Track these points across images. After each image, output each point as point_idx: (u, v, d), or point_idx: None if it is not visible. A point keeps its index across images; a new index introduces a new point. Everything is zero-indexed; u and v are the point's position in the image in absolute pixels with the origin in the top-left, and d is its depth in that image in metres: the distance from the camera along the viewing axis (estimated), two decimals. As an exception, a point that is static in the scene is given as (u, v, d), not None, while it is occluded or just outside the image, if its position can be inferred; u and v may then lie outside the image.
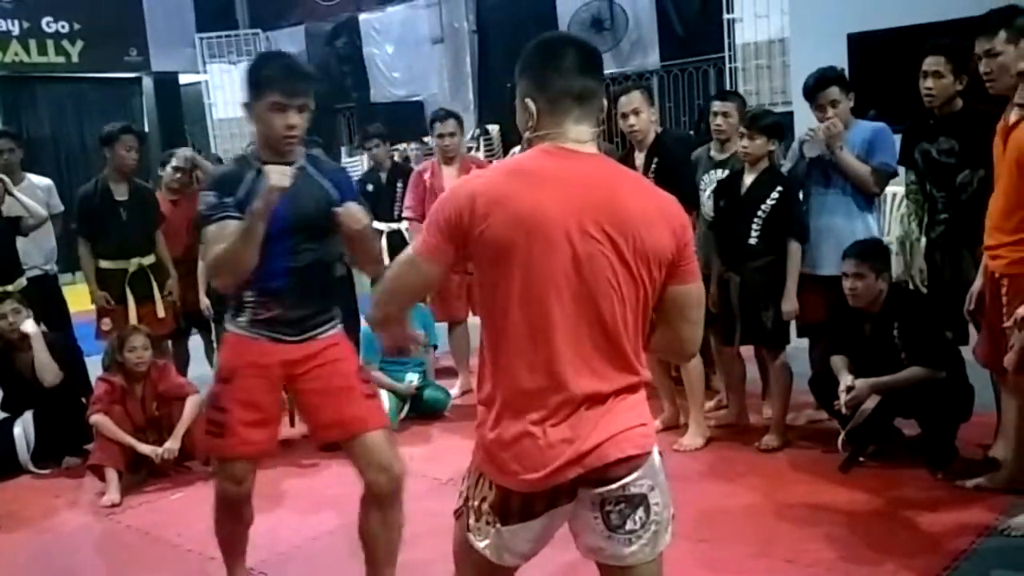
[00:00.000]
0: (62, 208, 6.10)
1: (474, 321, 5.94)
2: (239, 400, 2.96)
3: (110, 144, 5.49)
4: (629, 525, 1.92)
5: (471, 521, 1.98)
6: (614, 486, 1.89)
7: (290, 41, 13.91)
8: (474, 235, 1.85)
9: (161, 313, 5.58)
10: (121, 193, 5.53)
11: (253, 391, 2.96)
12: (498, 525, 1.93)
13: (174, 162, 6.00)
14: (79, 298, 6.11)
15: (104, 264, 5.52)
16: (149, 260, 5.59)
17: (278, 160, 2.83)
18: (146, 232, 5.63)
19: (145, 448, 4.71)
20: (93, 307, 5.68)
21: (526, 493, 1.90)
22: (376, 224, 6.18)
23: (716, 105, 5.08)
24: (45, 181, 6.13)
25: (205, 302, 5.79)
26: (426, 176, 5.82)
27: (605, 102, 2.04)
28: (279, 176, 2.74)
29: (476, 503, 1.96)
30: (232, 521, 3.17)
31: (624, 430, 1.90)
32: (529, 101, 1.95)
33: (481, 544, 1.96)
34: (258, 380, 2.97)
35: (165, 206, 5.86)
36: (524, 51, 2.01)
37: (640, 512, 1.92)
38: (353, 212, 2.86)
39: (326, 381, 2.99)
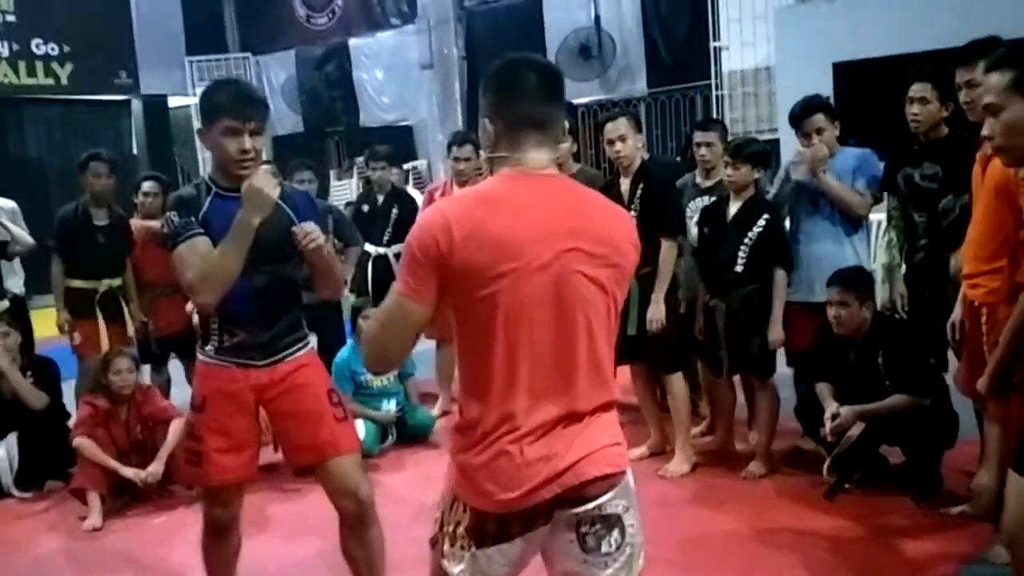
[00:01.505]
0: (26, 230, 6.03)
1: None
2: (212, 428, 2.96)
3: (82, 171, 5.66)
4: (604, 548, 1.91)
5: (445, 547, 1.95)
6: (590, 506, 1.88)
7: (280, 65, 13.98)
8: (451, 262, 1.83)
9: (131, 332, 5.71)
10: (100, 218, 5.68)
11: (225, 418, 2.96)
12: (473, 549, 1.91)
13: (144, 187, 6.06)
14: (48, 322, 6.12)
15: (75, 283, 5.66)
16: (118, 283, 5.74)
17: (234, 185, 2.85)
18: (120, 256, 5.77)
19: (128, 472, 4.68)
20: (50, 332, 5.83)
21: (502, 515, 1.88)
22: (367, 247, 6.24)
23: (699, 135, 5.12)
24: (9, 204, 6.11)
25: (196, 321, 5.79)
26: (437, 195, 5.83)
27: (569, 125, 2.06)
28: (268, 186, 2.80)
29: (451, 528, 1.95)
30: (219, 546, 3.15)
31: (600, 448, 1.90)
32: (487, 122, 1.97)
33: (455, 570, 1.94)
34: (229, 407, 2.96)
35: (145, 232, 5.90)
36: (487, 71, 2.02)
37: (615, 534, 1.91)
38: (308, 231, 2.87)
39: (296, 405, 2.99)
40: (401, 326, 1.95)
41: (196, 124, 13.79)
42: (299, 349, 3.03)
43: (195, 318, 5.63)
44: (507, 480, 1.85)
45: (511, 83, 1.96)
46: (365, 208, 6.48)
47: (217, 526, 3.10)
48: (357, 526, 3.02)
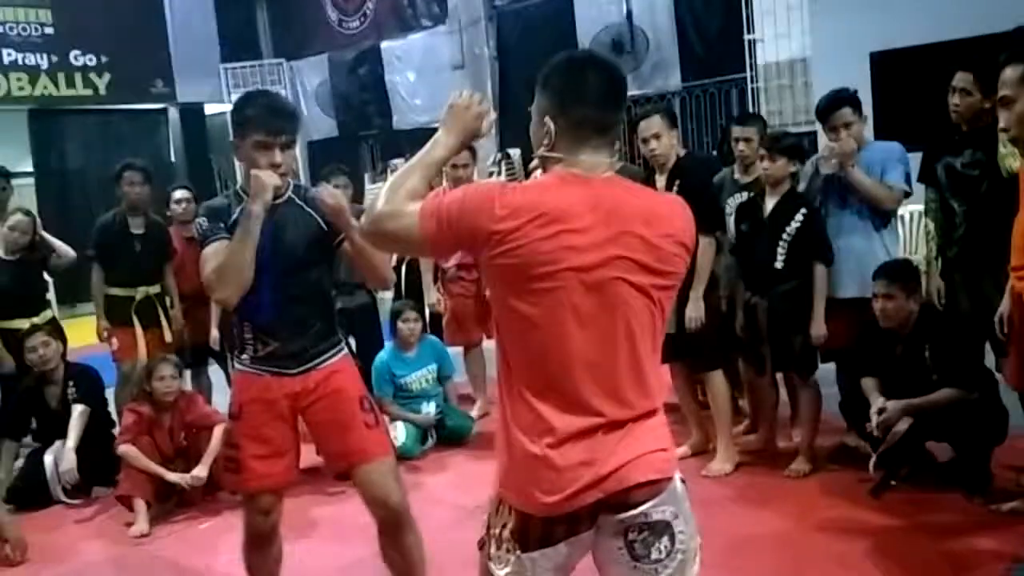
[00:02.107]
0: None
1: (489, 345, 5.94)
2: (249, 435, 3.00)
3: (117, 182, 5.77)
4: (654, 555, 1.88)
5: (492, 550, 1.95)
6: (635, 512, 1.86)
7: (313, 70, 14.06)
8: (487, 254, 1.83)
9: (168, 338, 5.77)
10: (137, 226, 5.77)
11: (262, 426, 2.99)
12: (518, 552, 1.90)
13: (176, 196, 6.15)
14: (81, 333, 6.22)
15: (113, 291, 5.76)
16: (155, 290, 5.82)
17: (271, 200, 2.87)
18: (157, 264, 5.86)
19: (173, 476, 4.73)
20: (94, 340, 5.89)
21: (545, 518, 1.87)
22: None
23: (737, 130, 5.07)
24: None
25: (215, 335, 5.89)
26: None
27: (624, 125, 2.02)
28: (268, 176, 2.80)
29: (497, 530, 1.94)
30: (260, 555, 3.17)
31: (644, 454, 1.87)
32: (548, 120, 1.92)
33: (501, 573, 1.93)
34: (265, 415, 2.99)
35: (179, 242, 6.03)
36: (549, 65, 1.97)
37: (665, 541, 1.88)
38: (324, 193, 2.92)
39: (328, 412, 3.02)
40: (400, 238, 1.96)
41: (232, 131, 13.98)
42: (332, 356, 3.05)
43: (214, 332, 5.83)
44: (549, 484, 1.84)
45: (575, 84, 1.92)
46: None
47: (257, 535, 3.11)
48: (393, 532, 3.04)
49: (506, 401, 1.93)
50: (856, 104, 4.51)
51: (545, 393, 1.86)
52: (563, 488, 1.83)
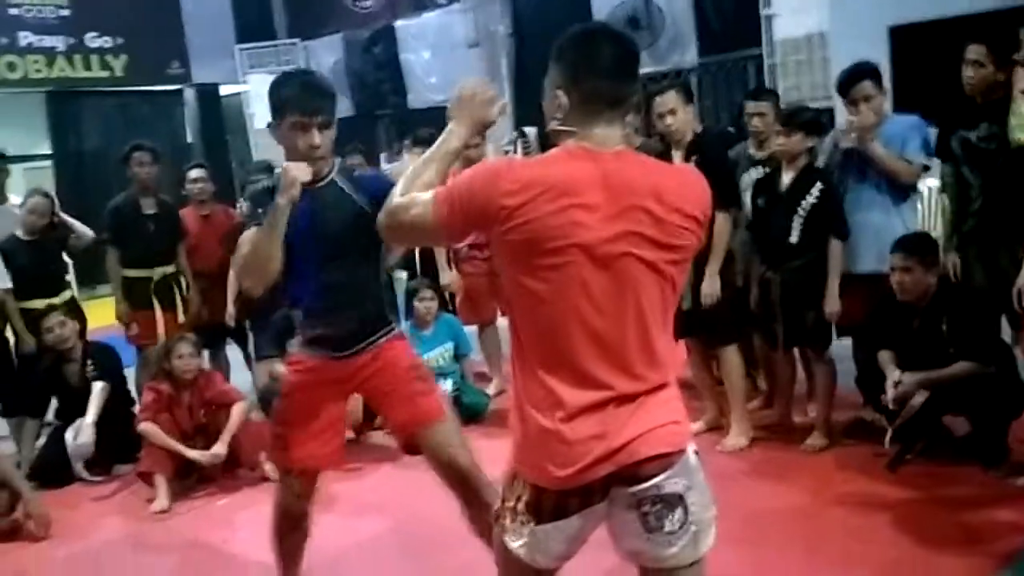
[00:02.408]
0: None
1: (504, 323, 5.96)
2: (298, 414, 2.98)
3: (127, 163, 5.79)
4: (667, 526, 1.89)
5: (507, 522, 1.97)
6: (647, 485, 1.87)
7: (328, 50, 14.02)
8: (497, 231, 1.84)
9: (182, 319, 5.81)
10: (149, 207, 5.81)
11: (312, 405, 2.97)
12: (532, 524, 1.93)
13: (192, 175, 6.18)
14: (101, 313, 6.27)
15: (131, 273, 5.80)
16: (171, 270, 5.87)
17: (309, 179, 2.83)
18: (171, 244, 5.90)
19: (193, 453, 4.78)
20: (111, 320, 5.94)
21: (559, 491, 1.89)
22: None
23: (750, 105, 5.04)
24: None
25: (230, 311, 5.93)
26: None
27: (639, 99, 2.02)
28: (297, 169, 2.75)
29: (512, 503, 1.96)
30: (290, 533, 3.15)
31: (656, 427, 1.88)
32: (560, 93, 1.93)
33: (515, 544, 1.95)
34: (313, 396, 2.97)
35: (195, 222, 6.06)
36: (562, 37, 1.96)
37: (678, 513, 1.89)
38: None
39: (381, 388, 3.00)
40: (417, 229, 2.01)
41: (247, 111, 13.97)
42: (382, 337, 2.99)
43: (230, 308, 5.85)
44: (561, 458, 1.86)
45: (588, 56, 1.92)
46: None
47: (289, 516, 3.11)
48: (473, 499, 2.90)
49: (519, 376, 1.95)
50: (877, 77, 4.47)
51: (556, 368, 1.88)
52: (575, 461, 1.85)
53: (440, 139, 2.14)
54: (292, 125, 2.79)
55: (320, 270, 2.86)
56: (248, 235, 2.83)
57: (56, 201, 5.91)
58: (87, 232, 5.86)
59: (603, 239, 1.83)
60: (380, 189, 2.90)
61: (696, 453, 1.96)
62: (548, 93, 1.97)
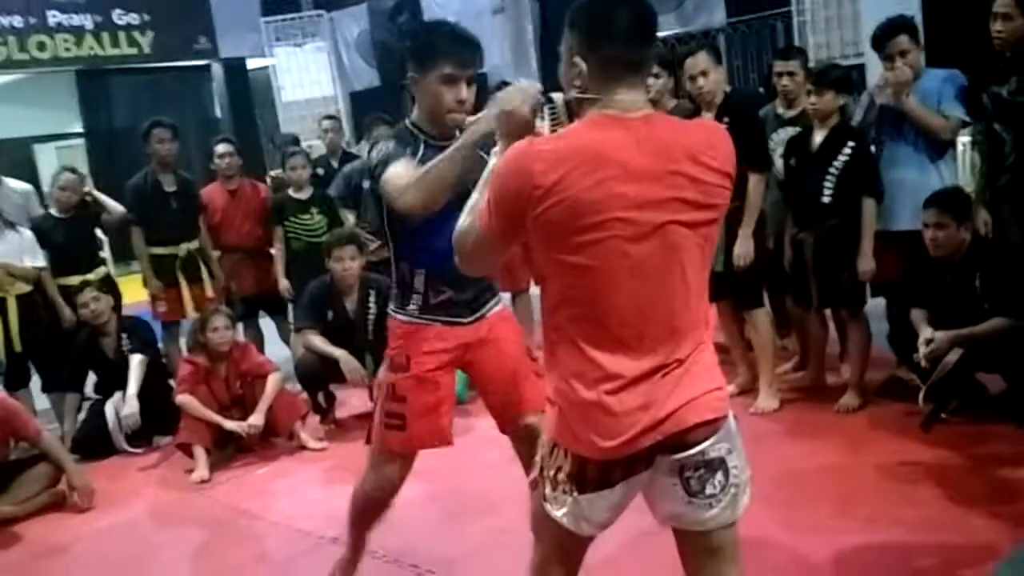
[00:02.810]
0: (42, 212, 6.10)
1: (536, 290, 5.97)
2: (420, 386, 2.82)
3: (146, 140, 5.82)
4: (709, 490, 1.90)
5: (547, 491, 1.97)
6: (693, 451, 1.87)
7: (353, 20, 13.99)
8: (532, 214, 1.81)
9: (210, 293, 5.86)
10: (169, 184, 5.86)
11: (431, 378, 2.83)
12: (575, 494, 1.92)
13: (219, 149, 6.20)
14: (136, 289, 6.35)
15: (157, 251, 5.85)
16: (195, 245, 5.90)
17: (443, 134, 2.73)
18: (193, 219, 5.95)
19: (231, 424, 4.86)
20: (145, 296, 6.04)
21: (603, 461, 1.88)
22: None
23: (779, 65, 4.99)
24: (23, 186, 6.22)
25: (284, 283, 5.99)
26: None
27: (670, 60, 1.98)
28: (527, 89, 2.22)
29: (551, 472, 1.95)
30: (375, 517, 3.06)
31: (701, 394, 1.88)
32: (579, 60, 1.89)
33: (558, 513, 1.95)
34: (436, 366, 2.83)
35: (223, 196, 6.11)
36: (575, 4, 1.93)
37: (719, 476, 1.90)
38: None
39: (497, 361, 2.88)
40: (480, 246, 1.99)
41: (275, 84, 13.99)
42: (496, 304, 2.92)
43: (283, 282, 5.88)
44: (606, 429, 1.85)
45: (604, 21, 1.88)
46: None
47: (380, 502, 3.00)
48: None
49: (557, 351, 1.93)
50: (913, 31, 4.41)
51: (600, 341, 1.86)
52: (621, 433, 1.84)
53: (490, 164, 2.08)
54: (442, 78, 2.65)
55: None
56: (404, 168, 2.62)
57: (88, 178, 5.97)
58: (118, 208, 5.90)
59: (643, 208, 1.80)
60: None
61: (736, 417, 1.97)
62: (565, 61, 1.94)
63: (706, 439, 1.88)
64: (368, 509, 3.04)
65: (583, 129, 1.89)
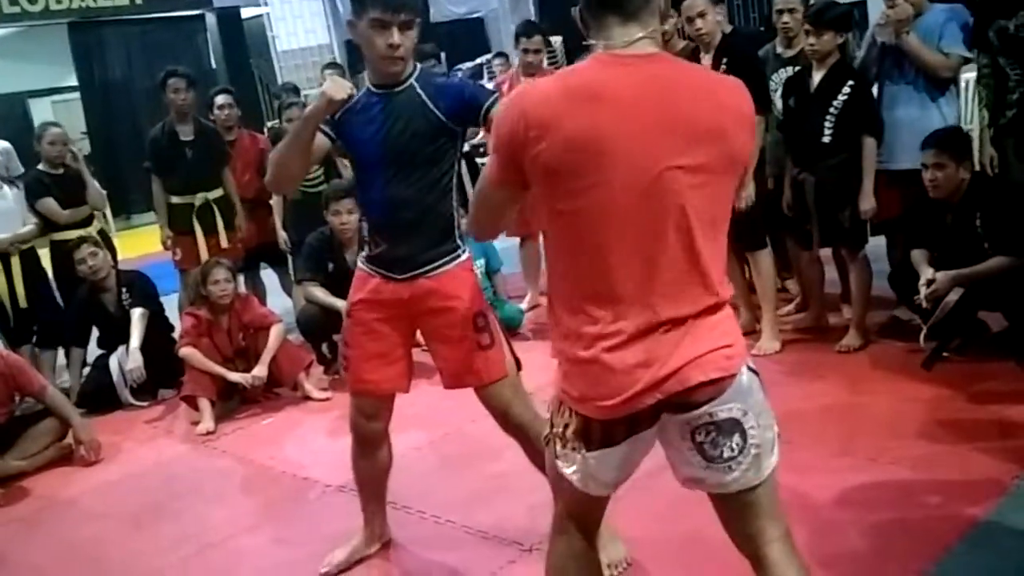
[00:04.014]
0: (22, 171, 6.02)
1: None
2: (358, 335, 2.88)
3: (163, 89, 5.77)
4: (726, 453, 1.84)
5: (558, 447, 1.95)
6: (698, 412, 1.82)
7: (347, -34, 13.82)
8: (529, 156, 1.77)
9: (224, 244, 5.81)
10: (186, 134, 5.78)
11: (371, 327, 2.86)
12: (583, 451, 1.90)
13: (218, 101, 6.17)
14: (137, 243, 6.32)
15: (174, 199, 5.81)
16: (216, 194, 5.84)
17: (384, 81, 2.71)
18: (213, 169, 5.87)
19: (235, 376, 4.88)
20: (151, 250, 5.96)
21: (605, 420, 1.85)
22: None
23: (779, 2, 4.91)
24: (3, 144, 6.17)
25: (282, 235, 5.97)
26: (504, 89, 5.74)
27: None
28: (334, 88, 2.63)
29: (560, 429, 1.94)
30: (365, 460, 3.07)
31: (706, 352, 1.81)
32: (575, 11, 1.90)
33: (568, 471, 1.94)
34: (374, 316, 2.85)
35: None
36: None
37: (735, 438, 1.84)
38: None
39: (439, 330, 2.85)
40: (488, 204, 1.99)
41: (270, 33, 13.84)
42: (444, 264, 2.80)
43: (281, 233, 5.89)
44: (606, 388, 1.82)
45: None
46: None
47: (361, 438, 3.03)
48: (529, 446, 2.80)
49: (557, 307, 1.90)
50: None
51: (597, 296, 1.82)
52: (620, 391, 1.80)
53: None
54: (372, 23, 2.61)
55: (387, 183, 2.70)
56: (280, 144, 2.80)
57: (74, 147, 5.92)
58: (99, 193, 5.88)
59: (638, 150, 1.74)
60: (461, 102, 2.72)
61: (756, 372, 1.90)
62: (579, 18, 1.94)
63: (712, 399, 1.82)
64: (353, 446, 3.06)
65: (583, 68, 1.87)
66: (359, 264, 2.93)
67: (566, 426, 1.92)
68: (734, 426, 1.84)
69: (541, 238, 5.79)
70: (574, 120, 1.74)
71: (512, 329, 5.60)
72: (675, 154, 1.75)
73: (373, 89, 2.74)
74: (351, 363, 2.93)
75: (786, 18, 4.83)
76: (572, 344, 1.86)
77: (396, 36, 2.62)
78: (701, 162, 1.78)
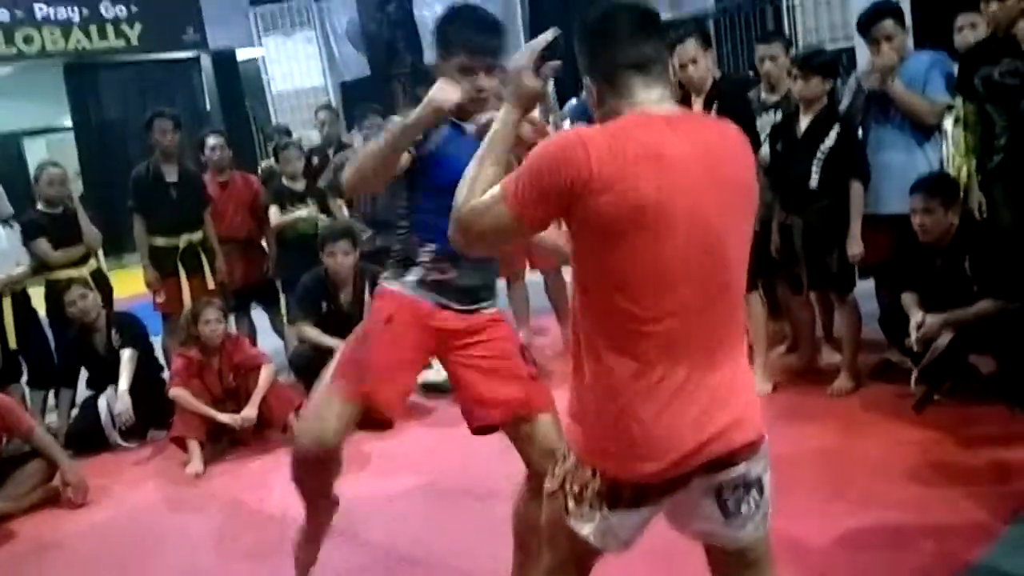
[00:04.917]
0: (11, 212, 5.99)
1: (532, 278, 5.95)
2: (388, 343, 2.71)
3: (149, 130, 5.80)
4: (744, 510, 1.85)
5: (571, 505, 1.86)
6: (735, 473, 1.81)
7: (342, 8, 13.95)
8: (585, 205, 1.72)
9: (211, 285, 5.83)
10: (171, 175, 5.82)
11: (404, 341, 2.72)
12: (605, 511, 1.83)
13: (210, 142, 6.18)
14: (126, 283, 6.32)
15: (157, 241, 5.82)
16: (198, 236, 5.86)
17: (462, 120, 2.69)
18: (195, 211, 5.89)
19: (224, 417, 4.85)
20: (143, 290, 6.00)
21: (638, 484, 1.80)
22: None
23: (761, 49, 4.99)
24: None
25: (271, 268, 6.00)
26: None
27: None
28: (442, 93, 2.51)
29: (576, 489, 1.85)
30: (316, 474, 2.84)
31: (744, 410, 1.82)
32: (587, 80, 1.86)
33: (584, 530, 1.86)
34: (411, 334, 2.72)
35: (214, 188, 6.09)
36: (576, 28, 1.90)
37: (754, 494, 1.85)
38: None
39: (488, 360, 2.75)
40: (497, 231, 1.86)
41: (265, 75, 13.93)
42: (494, 304, 2.83)
43: (269, 267, 5.88)
44: (646, 450, 1.76)
45: (602, 30, 1.84)
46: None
47: (317, 455, 2.75)
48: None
49: (590, 361, 1.83)
50: (898, 16, 4.43)
51: (643, 350, 1.76)
52: (664, 455, 1.76)
53: (491, 130, 1.98)
54: (459, 66, 2.61)
55: None
56: (368, 144, 2.65)
57: (75, 197, 5.91)
58: (94, 236, 5.84)
59: (698, 204, 1.74)
60: None
61: None
62: (585, 90, 1.91)
63: (749, 459, 1.82)
64: (304, 462, 2.80)
65: (635, 125, 1.78)
66: (397, 286, 2.75)
67: (584, 486, 1.84)
68: (756, 482, 1.85)
69: (528, 277, 5.86)
70: (641, 179, 1.71)
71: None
72: (725, 210, 1.79)
73: (456, 120, 2.71)
74: (369, 367, 2.69)
75: (768, 65, 4.91)
76: (602, 395, 1.80)
77: (483, 80, 2.64)
78: (741, 215, 1.84)
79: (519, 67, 1.97)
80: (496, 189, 1.84)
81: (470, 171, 1.93)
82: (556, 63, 1.99)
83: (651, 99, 1.82)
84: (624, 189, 1.70)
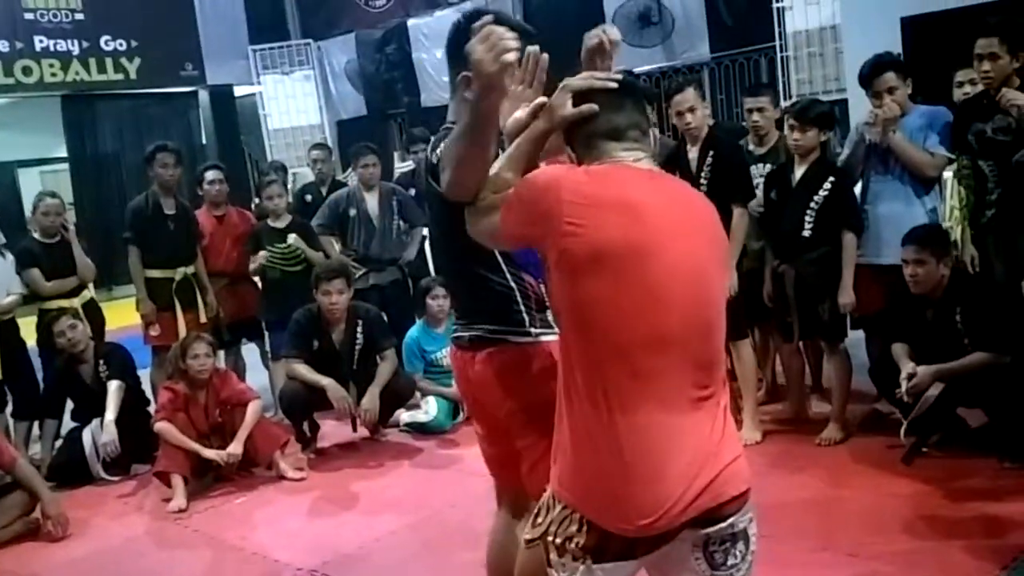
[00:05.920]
0: (2, 240, 5.95)
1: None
2: None
3: (150, 163, 5.82)
4: (731, 561, 1.84)
5: (552, 556, 1.83)
6: (723, 525, 1.80)
7: (341, 49, 14.07)
8: (560, 240, 1.77)
9: (203, 319, 5.81)
10: (169, 207, 5.83)
11: None
12: (589, 563, 1.79)
13: (208, 176, 6.18)
14: (117, 315, 6.28)
15: (153, 273, 5.79)
16: (192, 270, 5.86)
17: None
18: (190, 244, 5.90)
19: (209, 453, 4.81)
20: (132, 322, 5.99)
21: (630, 537, 1.78)
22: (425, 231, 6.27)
23: (749, 101, 5.03)
24: None
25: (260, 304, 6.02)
26: None
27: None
28: (500, 38, 1.91)
29: (560, 540, 1.82)
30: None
31: (732, 461, 1.81)
32: (568, 149, 1.96)
33: None
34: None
35: (209, 222, 6.10)
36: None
37: (740, 545, 1.84)
38: None
39: None
40: (492, 233, 2.01)
41: (262, 111, 14.01)
42: None
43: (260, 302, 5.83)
44: (637, 503, 1.75)
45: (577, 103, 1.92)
46: (412, 192, 6.50)
47: None
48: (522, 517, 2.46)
49: (574, 405, 1.81)
50: (900, 68, 4.47)
51: (629, 395, 1.76)
52: (655, 510, 1.74)
53: (520, 138, 2.02)
54: (465, 81, 2.34)
55: None
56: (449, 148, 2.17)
57: (70, 228, 5.88)
58: (89, 268, 5.83)
59: (678, 247, 1.80)
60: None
61: None
62: (566, 155, 1.99)
63: (738, 511, 1.82)
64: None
65: (613, 172, 1.87)
66: (530, 340, 2.34)
67: (569, 538, 1.81)
68: (743, 534, 1.85)
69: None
70: (610, 224, 1.77)
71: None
72: (704, 250, 1.87)
73: None
74: None
75: (756, 116, 4.95)
76: (595, 453, 1.78)
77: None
78: (718, 264, 1.94)
79: (571, 90, 1.95)
80: (499, 198, 1.95)
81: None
82: (594, 107, 1.92)
83: (629, 159, 1.89)
84: (587, 232, 1.76)
